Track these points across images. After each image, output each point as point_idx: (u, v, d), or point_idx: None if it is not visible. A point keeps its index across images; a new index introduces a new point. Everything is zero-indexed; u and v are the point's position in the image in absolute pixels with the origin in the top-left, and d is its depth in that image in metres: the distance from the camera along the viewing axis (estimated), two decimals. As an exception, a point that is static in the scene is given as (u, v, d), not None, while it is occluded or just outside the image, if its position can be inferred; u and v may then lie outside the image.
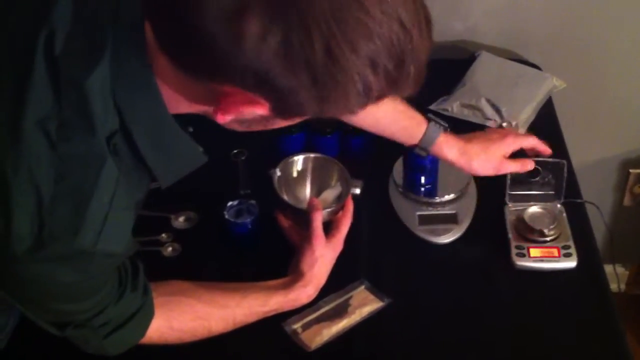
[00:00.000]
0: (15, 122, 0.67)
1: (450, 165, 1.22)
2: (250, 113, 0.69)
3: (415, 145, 1.20)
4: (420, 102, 1.30)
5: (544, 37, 1.66)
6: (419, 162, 1.26)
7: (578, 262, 1.18)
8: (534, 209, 1.24)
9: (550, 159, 1.25)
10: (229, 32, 0.60)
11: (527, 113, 1.48)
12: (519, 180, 1.26)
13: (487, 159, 1.20)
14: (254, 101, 0.67)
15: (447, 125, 1.20)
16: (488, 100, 1.49)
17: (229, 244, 1.25)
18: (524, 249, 1.20)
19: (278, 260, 1.17)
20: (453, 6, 1.61)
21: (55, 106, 0.68)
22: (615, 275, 1.86)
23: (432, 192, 1.30)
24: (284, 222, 1.22)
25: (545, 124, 1.49)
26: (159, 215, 1.27)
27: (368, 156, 1.38)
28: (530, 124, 1.47)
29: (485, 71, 1.57)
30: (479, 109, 1.49)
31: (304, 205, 1.19)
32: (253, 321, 1.07)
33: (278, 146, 1.37)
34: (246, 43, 0.60)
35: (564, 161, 1.25)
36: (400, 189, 1.31)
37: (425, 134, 1.18)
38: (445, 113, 1.50)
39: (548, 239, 1.20)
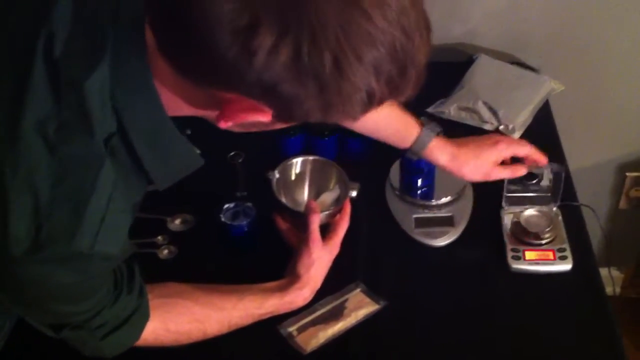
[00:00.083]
0: (14, 122, 0.67)
1: (442, 169, 1.22)
2: (253, 119, 0.69)
3: (408, 149, 1.20)
4: (418, 105, 1.30)
5: (542, 40, 1.66)
6: (416, 165, 1.27)
7: (573, 265, 1.18)
8: (530, 211, 1.25)
9: (548, 164, 1.24)
10: (240, 46, 0.60)
11: (524, 116, 1.49)
12: (516, 183, 1.27)
13: (477, 165, 1.20)
14: (258, 108, 0.67)
15: (440, 129, 1.20)
16: (485, 103, 1.49)
17: (225, 247, 1.25)
18: (519, 251, 1.20)
19: (275, 263, 1.17)
20: (452, 9, 1.61)
21: (54, 107, 0.68)
22: (611, 279, 1.86)
23: (428, 195, 1.30)
24: (282, 224, 1.22)
25: (542, 126, 1.49)
26: (155, 217, 1.27)
27: (365, 159, 1.38)
28: (527, 127, 1.48)
29: (483, 74, 1.57)
30: (476, 112, 1.49)
31: (302, 208, 1.19)
32: (249, 324, 1.07)
33: (275, 148, 1.37)
34: (257, 57, 0.60)
35: (562, 167, 1.25)
36: (396, 192, 1.31)
37: (417, 138, 1.18)
38: (443, 115, 1.50)
39: (544, 241, 1.21)
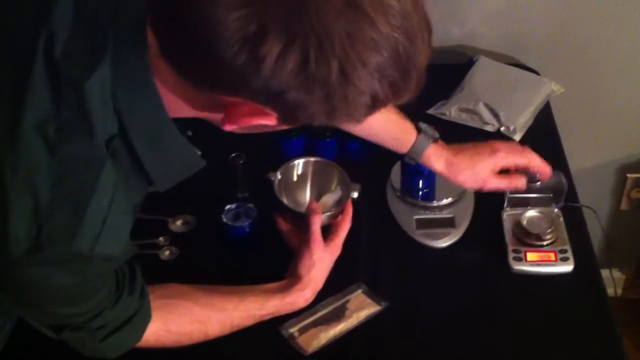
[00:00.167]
0: (14, 122, 0.67)
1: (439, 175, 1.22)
2: (258, 122, 0.69)
3: (405, 154, 1.20)
4: (418, 107, 1.30)
5: (542, 41, 1.66)
6: (417, 166, 1.26)
7: (575, 266, 1.18)
8: (532, 213, 1.24)
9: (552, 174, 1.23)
10: (247, 54, 0.60)
11: (524, 117, 1.49)
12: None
13: (473, 173, 1.18)
14: (263, 112, 0.68)
15: (437, 135, 1.19)
16: (486, 105, 1.49)
17: (226, 248, 1.25)
18: (521, 252, 1.20)
19: (276, 264, 1.17)
20: (451, 11, 1.61)
21: (54, 108, 0.68)
22: (612, 280, 1.85)
23: (429, 196, 1.30)
24: (283, 225, 1.22)
25: (543, 128, 1.49)
26: (157, 218, 1.27)
27: (366, 160, 1.38)
28: (528, 129, 1.48)
29: (484, 76, 1.57)
30: (477, 114, 1.49)
31: (304, 209, 1.19)
32: (250, 324, 1.07)
33: (276, 150, 1.38)
34: (265, 65, 0.60)
35: (566, 183, 1.25)
36: (397, 193, 1.31)
37: (414, 144, 1.18)
38: (444, 117, 1.50)
39: (545, 243, 1.21)
